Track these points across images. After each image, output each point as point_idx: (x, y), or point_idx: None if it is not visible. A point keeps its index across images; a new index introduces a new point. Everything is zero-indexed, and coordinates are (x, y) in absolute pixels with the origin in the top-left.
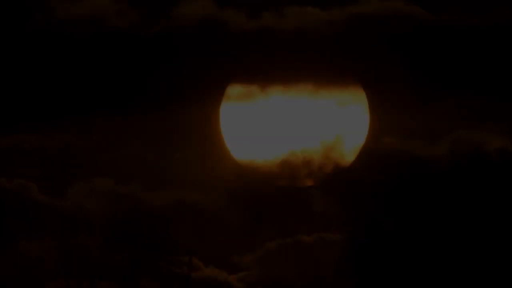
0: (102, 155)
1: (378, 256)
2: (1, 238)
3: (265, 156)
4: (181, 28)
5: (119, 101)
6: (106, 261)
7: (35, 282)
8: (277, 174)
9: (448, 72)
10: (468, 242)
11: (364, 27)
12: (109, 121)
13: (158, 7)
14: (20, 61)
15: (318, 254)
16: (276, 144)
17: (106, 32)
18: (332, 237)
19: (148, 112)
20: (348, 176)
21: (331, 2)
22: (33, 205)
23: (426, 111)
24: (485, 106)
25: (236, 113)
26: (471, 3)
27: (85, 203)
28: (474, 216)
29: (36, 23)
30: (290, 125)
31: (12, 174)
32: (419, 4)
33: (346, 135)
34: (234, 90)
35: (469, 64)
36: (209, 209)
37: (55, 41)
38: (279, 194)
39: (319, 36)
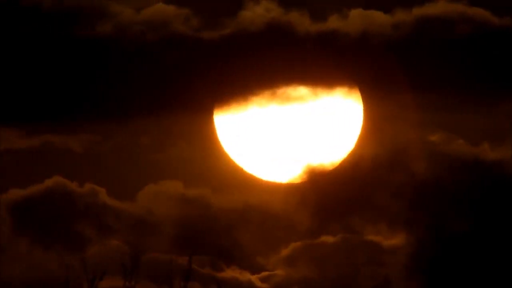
0: (164, 158)
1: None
2: (71, 241)
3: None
4: (245, 31)
5: (174, 102)
6: (174, 264)
7: (103, 284)
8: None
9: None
10: None
11: (429, 29)
12: (159, 122)
13: (221, 11)
14: (80, 67)
15: (342, 255)
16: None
17: (169, 37)
18: (356, 239)
19: (197, 114)
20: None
21: (395, 4)
22: (102, 209)
23: (493, 111)
24: None
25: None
26: None
27: (154, 206)
28: None
29: (98, 29)
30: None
31: (81, 178)
32: (483, 6)
33: None
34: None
35: None
36: (274, 211)
37: (118, 47)
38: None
39: (384, 39)
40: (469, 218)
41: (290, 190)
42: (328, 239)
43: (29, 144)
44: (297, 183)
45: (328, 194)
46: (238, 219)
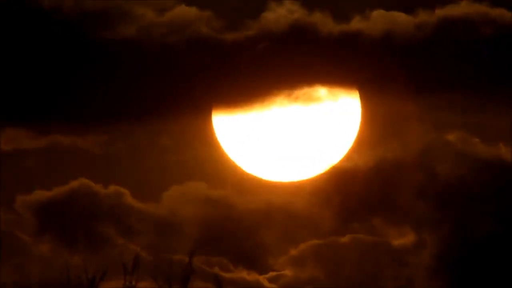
0: (183, 159)
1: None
2: (96, 243)
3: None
4: (268, 33)
5: (192, 104)
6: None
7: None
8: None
9: None
10: None
11: (451, 30)
12: (176, 123)
13: (244, 13)
14: (101, 69)
15: (351, 256)
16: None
17: (191, 39)
18: (366, 239)
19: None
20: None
21: (418, 5)
22: (127, 211)
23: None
24: None
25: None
26: None
27: (179, 208)
28: None
29: (121, 31)
30: None
31: (105, 179)
32: (507, 6)
33: None
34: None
35: None
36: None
37: (140, 48)
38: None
39: (406, 39)
40: (492, 219)
41: (313, 190)
42: (338, 239)
43: (48, 144)
44: (320, 184)
45: (348, 195)
46: (259, 221)
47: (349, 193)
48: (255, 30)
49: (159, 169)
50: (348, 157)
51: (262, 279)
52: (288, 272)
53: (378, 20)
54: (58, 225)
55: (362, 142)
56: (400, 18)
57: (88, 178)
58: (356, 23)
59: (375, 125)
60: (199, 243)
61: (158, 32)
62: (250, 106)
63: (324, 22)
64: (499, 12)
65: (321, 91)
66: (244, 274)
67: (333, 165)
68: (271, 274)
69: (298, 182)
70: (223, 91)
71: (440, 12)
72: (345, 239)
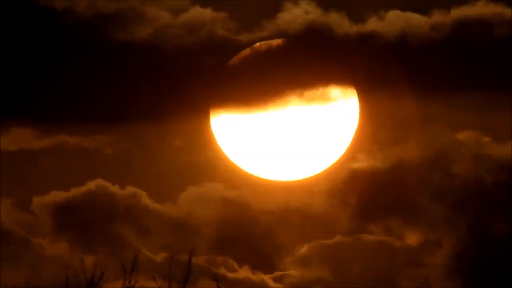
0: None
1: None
2: (111, 244)
3: None
4: (284, 34)
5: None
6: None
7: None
8: None
9: None
10: None
11: (467, 30)
12: (191, 124)
13: (260, 14)
14: (116, 70)
15: (357, 255)
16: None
17: (207, 40)
18: (371, 238)
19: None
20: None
21: (433, 5)
22: (144, 212)
23: None
24: None
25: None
26: None
27: (195, 209)
28: None
29: (135, 33)
30: None
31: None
32: None
33: None
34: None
35: None
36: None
37: (156, 50)
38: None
39: (422, 40)
40: (509, 219)
41: (331, 192)
42: (344, 239)
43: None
44: (337, 185)
45: (364, 195)
46: (275, 221)
47: (365, 193)
48: (270, 31)
49: (174, 170)
50: (365, 157)
51: (280, 276)
52: (306, 272)
53: (393, 21)
54: (75, 226)
55: (377, 143)
56: (415, 18)
57: (104, 179)
58: (372, 24)
59: (391, 126)
60: (214, 243)
61: (174, 33)
62: (265, 106)
63: (340, 23)
64: None
65: (336, 91)
66: (249, 274)
67: (349, 165)
68: (289, 272)
69: (314, 182)
70: (236, 92)
71: (456, 13)
72: (360, 239)
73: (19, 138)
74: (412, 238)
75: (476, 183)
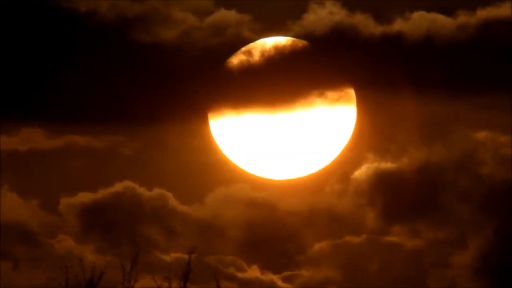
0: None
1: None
2: (139, 246)
3: None
4: (310, 34)
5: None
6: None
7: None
8: None
9: None
10: None
11: (493, 31)
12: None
13: (286, 15)
14: (139, 72)
15: (365, 256)
16: None
17: (233, 42)
18: (381, 239)
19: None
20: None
21: (459, 6)
22: (171, 213)
23: None
24: None
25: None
26: None
27: (223, 210)
28: None
29: (157, 35)
30: None
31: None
32: None
33: None
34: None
35: None
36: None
37: (182, 52)
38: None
39: (447, 41)
40: None
41: (358, 192)
42: (352, 239)
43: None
44: (364, 186)
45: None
46: (302, 222)
47: (391, 194)
48: (296, 32)
49: (198, 170)
50: (391, 159)
51: (276, 278)
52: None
53: (419, 22)
54: (102, 227)
55: (408, 143)
56: (441, 19)
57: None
58: (397, 25)
59: (420, 126)
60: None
61: (200, 36)
62: (290, 107)
63: (365, 24)
64: None
65: (360, 91)
66: (258, 274)
67: (376, 166)
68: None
69: (342, 183)
70: (261, 93)
71: (481, 14)
72: (389, 239)
73: (29, 138)
74: (439, 239)
75: (502, 183)
